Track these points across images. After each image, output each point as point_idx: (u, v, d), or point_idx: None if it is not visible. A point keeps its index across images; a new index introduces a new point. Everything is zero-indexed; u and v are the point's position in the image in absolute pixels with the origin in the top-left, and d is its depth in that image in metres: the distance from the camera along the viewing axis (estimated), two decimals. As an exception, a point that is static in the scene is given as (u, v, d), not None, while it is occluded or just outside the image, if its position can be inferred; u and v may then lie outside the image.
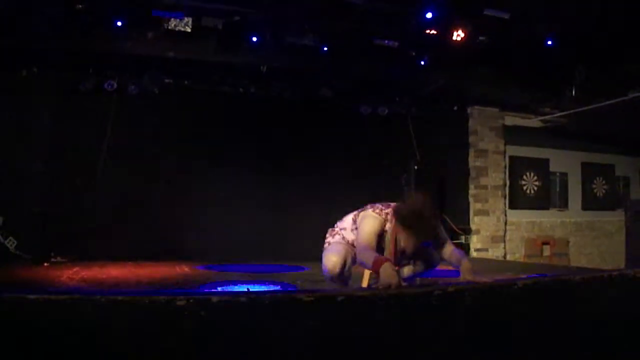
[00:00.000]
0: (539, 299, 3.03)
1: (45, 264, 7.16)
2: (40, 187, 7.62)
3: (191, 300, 2.40)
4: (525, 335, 2.91)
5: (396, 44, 7.53)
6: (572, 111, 9.45)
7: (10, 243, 7.58)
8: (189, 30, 6.84)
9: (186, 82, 8.18)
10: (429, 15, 6.97)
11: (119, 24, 6.83)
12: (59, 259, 7.45)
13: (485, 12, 7.09)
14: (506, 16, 7.12)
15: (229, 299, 2.51)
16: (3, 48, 7.16)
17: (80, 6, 6.62)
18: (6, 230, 7.60)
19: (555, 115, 10.00)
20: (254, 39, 7.25)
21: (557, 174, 10.76)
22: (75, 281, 5.86)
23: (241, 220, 8.08)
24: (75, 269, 6.63)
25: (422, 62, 8.02)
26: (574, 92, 9.30)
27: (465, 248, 9.68)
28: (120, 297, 2.41)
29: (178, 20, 6.78)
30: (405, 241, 3.67)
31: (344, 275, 4.03)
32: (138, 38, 7.09)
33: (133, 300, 2.40)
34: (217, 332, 2.42)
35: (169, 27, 6.84)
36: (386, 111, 9.14)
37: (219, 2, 6.60)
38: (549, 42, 7.70)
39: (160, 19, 6.81)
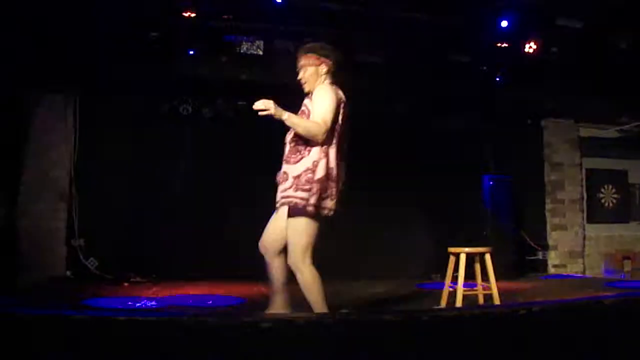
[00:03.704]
0: (627, 317, 2.92)
1: (125, 284, 7.36)
2: (120, 209, 7.85)
3: (277, 322, 2.42)
4: (613, 356, 2.82)
5: (468, 58, 7.47)
6: (650, 120, 9.19)
7: (91, 264, 7.83)
8: (260, 53, 6.95)
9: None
10: (504, 23, 6.87)
11: (195, 48, 7.01)
12: (138, 279, 7.65)
13: (557, 22, 6.96)
14: (579, 25, 6.97)
15: (314, 320, 2.52)
16: (84, 75, 7.47)
17: (154, 34, 6.82)
18: (87, 251, 7.87)
19: (633, 124, 9.70)
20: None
21: (637, 185, 10.37)
22: (156, 301, 6.00)
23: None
24: (154, 289, 6.79)
25: (495, 76, 7.93)
26: (652, 100, 9.02)
27: (542, 264, 9.48)
28: (205, 318, 2.45)
29: (250, 43, 6.90)
30: None
31: None
32: (211, 62, 7.25)
33: (219, 322, 2.44)
34: (303, 354, 2.42)
35: (241, 51, 6.96)
36: (460, 126, 9.03)
37: (289, 24, 6.69)
38: (624, 49, 7.50)
39: (232, 43, 6.95)
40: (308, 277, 3.77)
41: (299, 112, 3.96)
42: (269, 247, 4.01)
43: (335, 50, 4.07)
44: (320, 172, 3.77)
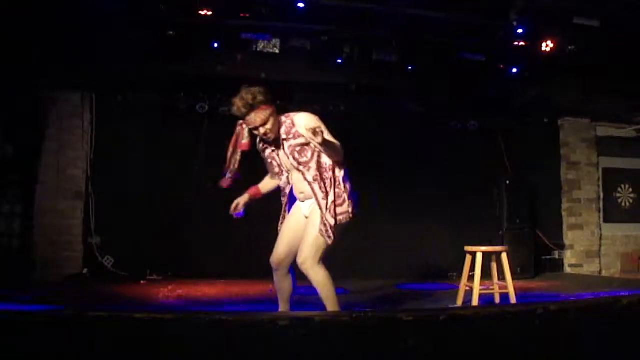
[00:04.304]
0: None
1: (142, 282, 7.40)
2: (136, 207, 7.88)
3: (294, 320, 2.42)
4: (631, 355, 2.79)
5: (484, 57, 7.43)
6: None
7: (108, 261, 7.87)
8: (277, 51, 6.94)
9: (278, 102, 8.24)
10: (519, 31, 6.85)
11: (212, 46, 7.03)
12: (154, 276, 7.70)
13: (574, 21, 6.90)
14: (596, 24, 6.92)
15: (331, 319, 2.52)
16: (100, 74, 7.50)
17: (171, 33, 6.83)
18: (104, 249, 7.92)
19: (650, 123, 9.64)
20: (342, 58, 7.30)
21: (654, 185, 10.30)
22: (172, 299, 6.03)
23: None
24: (170, 287, 6.82)
25: (511, 75, 7.90)
26: (670, 99, 8.94)
27: (559, 264, 9.43)
28: (223, 317, 2.46)
29: (266, 42, 6.90)
30: None
31: None
32: (228, 61, 7.26)
33: (235, 320, 2.44)
34: (320, 352, 2.42)
35: (258, 49, 6.95)
36: (476, 125, 9.02)
37: (306, 23, 6.68)
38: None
39: (249, 42, 6.95)
40: (322, 275, 3.85)
41: (300, 149, 3.94)
42: (282, 263, 4.06)
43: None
44: (343, 185, 3.97)
